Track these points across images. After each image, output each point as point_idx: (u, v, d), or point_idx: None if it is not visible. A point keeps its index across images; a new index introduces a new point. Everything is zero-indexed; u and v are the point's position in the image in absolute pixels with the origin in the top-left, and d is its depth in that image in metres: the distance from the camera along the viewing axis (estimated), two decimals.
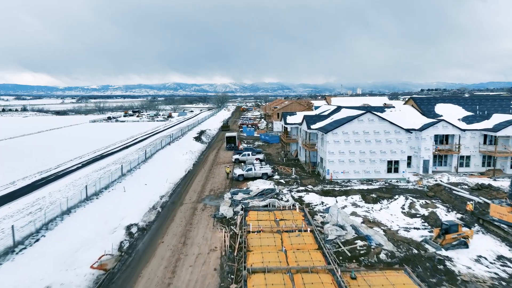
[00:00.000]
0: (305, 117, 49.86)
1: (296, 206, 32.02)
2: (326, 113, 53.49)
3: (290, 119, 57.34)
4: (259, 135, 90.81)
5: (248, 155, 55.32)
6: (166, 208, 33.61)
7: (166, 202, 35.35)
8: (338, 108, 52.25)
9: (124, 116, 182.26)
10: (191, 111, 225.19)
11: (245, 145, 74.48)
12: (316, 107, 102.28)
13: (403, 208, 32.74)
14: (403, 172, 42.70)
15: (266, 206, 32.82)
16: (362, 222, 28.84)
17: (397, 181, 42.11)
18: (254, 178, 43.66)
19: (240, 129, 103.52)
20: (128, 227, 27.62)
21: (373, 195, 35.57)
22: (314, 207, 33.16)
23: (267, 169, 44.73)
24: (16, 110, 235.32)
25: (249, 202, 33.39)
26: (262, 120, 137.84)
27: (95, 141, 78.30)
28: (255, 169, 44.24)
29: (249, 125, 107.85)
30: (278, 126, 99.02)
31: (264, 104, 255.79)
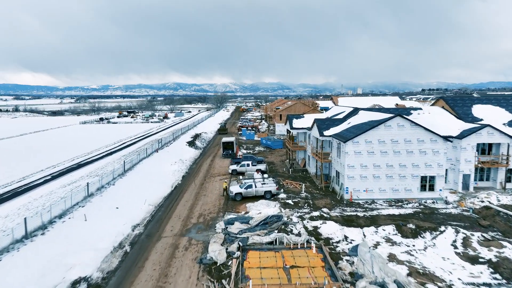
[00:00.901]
0: (316, 121, 41.43)
1: (312, 244, 23.64)
2: (340, 116, 45.06)
3: (296, 123, 48.95)
4: (260, 139, 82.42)
5: (248, 165, 46.91)
6: (138, 245, 25.18)
7: (139, 235, 26.92)
8: (355, 110, 43.81)
9: (118, 117, 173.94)
10: (189, 112, 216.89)
11: (244, 151, 66.07)
12: (323, 108, 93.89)
13: (456, 247, 24.29)
14: (440, 190, 34.28)
15: (271, 242, 24.48)
16: (408, 275, 20.43)
17: (433, 202, 33.70)
18: (254, 197, 35.35)
19: (239, 132, 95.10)
20: (74, 285, 19.22)
21: (411, 225, 27.13)
22: (336, 245, 24.71)
23: (271, 185, 36.30)
24: (7, 110, 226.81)
25: (248, 237, 25.00)
26: (263, 121, 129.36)
27: (78, 146, 69.99)
28: (255, 186, 35.82)
29: (249, 128, 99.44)
30: (280, 128, 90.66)
31: (264, 104, 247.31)
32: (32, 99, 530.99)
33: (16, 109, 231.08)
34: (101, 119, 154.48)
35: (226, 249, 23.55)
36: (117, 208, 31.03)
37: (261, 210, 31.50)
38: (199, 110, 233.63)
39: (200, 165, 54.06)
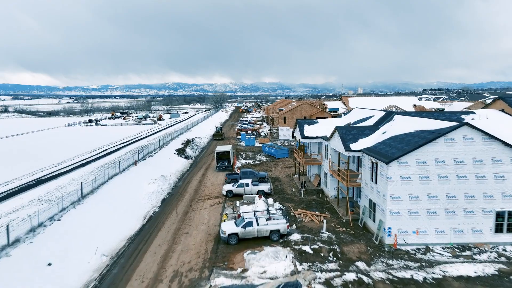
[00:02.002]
0: (338, 130, 30.88)
1: None
2: (368, 123, 34.51)
3: (309, 130, 38.43)
4: (261, 145, 72.01)
5: (247, 185, 36.41)
6: None
7: None
8: (389, 115, 33.29)
9: (110, 118, 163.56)
10: (186, 113, 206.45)
11: (243, 162, 55.68)
12: (332, 110, 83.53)
13: None
14: None
15: None
16: None
17: None
18: (256, 239, 24.99)
19: (238, 137, 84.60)
20: None
21: None
22: None
23: (280, 221, 25.83)
24: None
25: None
26: (264, 124, 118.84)
27: (49, 155, 59.58)
28: (258, 223, 25.39)
29: (248, 131, 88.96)
30: (284, 133, 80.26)
31: (265, 104, 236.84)
32: (31, 99, 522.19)
33: (5, 110, 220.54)
34: (90, 120, 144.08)
35: None
36: (49, 264, 20.60)
37: (266, 266, 21.06)
38: (196, 111, 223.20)
39: (187, 182, 43.59)
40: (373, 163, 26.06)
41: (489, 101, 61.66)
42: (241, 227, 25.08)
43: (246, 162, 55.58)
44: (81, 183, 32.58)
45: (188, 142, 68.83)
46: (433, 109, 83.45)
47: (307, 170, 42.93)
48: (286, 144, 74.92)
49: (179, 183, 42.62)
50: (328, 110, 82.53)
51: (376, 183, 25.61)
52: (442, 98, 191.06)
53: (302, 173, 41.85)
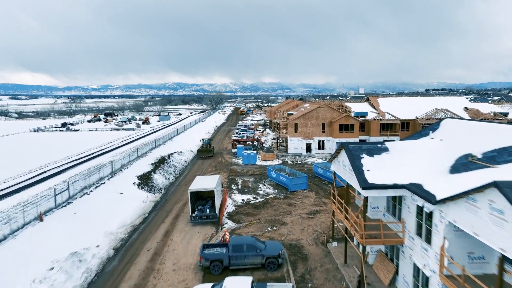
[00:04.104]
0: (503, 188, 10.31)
1: None
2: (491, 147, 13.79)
3: (375, 168, 17.66)
4: (264, 163, 51.52)
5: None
6: None
7: None
8: None
9: (89, 121, 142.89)
10: (179, 114, 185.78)
11: (238, 198, 35.18)
12: (358, 114, 62.91)
13: None
14: None
15: None
16: None
17: None
18: None
19: (233, 150, 63.99)
20: None
21: None
22: None
23: None
24: None
25: None
26: (267, 130, 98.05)
27: None
28: None
29: (248, 141, 68.25)
30: (295, 145, 59.86)
31: (267, 105, 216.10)
32: (28, 98, 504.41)
33: None
34: (64, 124, 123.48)
35: None
36: None
37: None
38: (191, 112, 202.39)
39: (130, 260, 22.96)
40: None
41: None
42: None
43: (242, 200, 35.02)
44: None
45: (161, 162, 48.14)
46: (492, 114, 62.92)
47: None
48: (298, 161, 54.37)
49: (108, 267, 21.93)
50: (353, 114, 62.01)
51: None
52: (495, 99, 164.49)
53: (348, 239, 21.15)
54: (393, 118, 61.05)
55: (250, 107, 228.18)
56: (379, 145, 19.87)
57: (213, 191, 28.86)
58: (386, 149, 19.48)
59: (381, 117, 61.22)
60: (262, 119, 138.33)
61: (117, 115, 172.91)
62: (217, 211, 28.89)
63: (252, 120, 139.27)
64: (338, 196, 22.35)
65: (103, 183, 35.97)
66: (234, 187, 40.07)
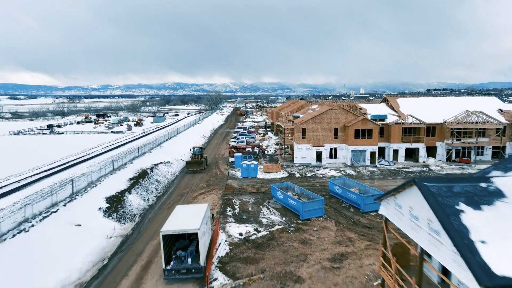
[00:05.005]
0: None
1: None
2: None
3: (497, 236, 9.10)
4: (267, 177, 42.76)
5: None
6: None
7: None
8: None
9: (79, 123, 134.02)
10: (176, 115, 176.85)
11: (235, 233, 26.48)
12: (376, 117, 54.14)
13: None
14: None
15: None
16: None
17: None
18: None
19: (231, 158, 55.19)
20: None
21: None
22: None
23: None
24: None
25: None
26: (269, 134, 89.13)
27: None
28: None
29: (247, 148, 59.38)
30: (303, 153, 51.07)
31: (267, 105, 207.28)
32: (28, 98, 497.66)
33: None
34: (50, 126, 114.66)
35: None
36: None
37: None
38: (188, 113, 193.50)
39: None
40: None
41: None
42: None
43: (239, 235, 26.24)
44: None
45: (140, 177, 39.24)
46: None
47: None
48: (307, 173, 45.37)
49: None
50: (369, 117, 53.16)
51: None
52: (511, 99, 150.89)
53: None
54: (417, 121, 52.29)
55: (250, 108, 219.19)
56: (482, 185, 11.04)
57: (196, 231, 20.01)
58: (499, 193, 10.67)
59: (403, 121, 52.44)
60: (263, 121, 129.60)
61: (110, 116, 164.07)
62: (202, 261, 20.07)
63: (252, 121, 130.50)
64: (393, 256, 13.62)
65: (55, 212, 27.09)
66: (230, 212, 31.32)
